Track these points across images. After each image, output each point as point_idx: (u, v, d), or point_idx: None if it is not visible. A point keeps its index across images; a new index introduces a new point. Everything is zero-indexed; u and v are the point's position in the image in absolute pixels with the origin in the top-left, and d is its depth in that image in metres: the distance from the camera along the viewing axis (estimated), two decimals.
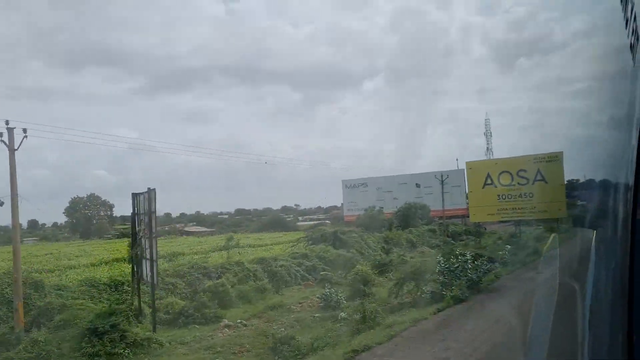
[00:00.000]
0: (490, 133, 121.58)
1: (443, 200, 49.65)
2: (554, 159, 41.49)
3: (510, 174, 42.95)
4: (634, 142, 1.32)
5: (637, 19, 1.40)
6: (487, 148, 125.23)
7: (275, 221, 57.43)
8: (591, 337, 2.44)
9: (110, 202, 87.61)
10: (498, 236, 46.60)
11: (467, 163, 45.06)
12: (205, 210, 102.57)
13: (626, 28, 1.51)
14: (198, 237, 56.36)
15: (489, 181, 43.79)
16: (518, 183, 42.66)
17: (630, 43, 1.47)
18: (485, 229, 54.34)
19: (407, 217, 46.46)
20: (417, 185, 60.50)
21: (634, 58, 1.44)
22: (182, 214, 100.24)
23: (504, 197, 43.13)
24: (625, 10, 1.55)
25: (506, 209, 43.00)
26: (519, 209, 42.50)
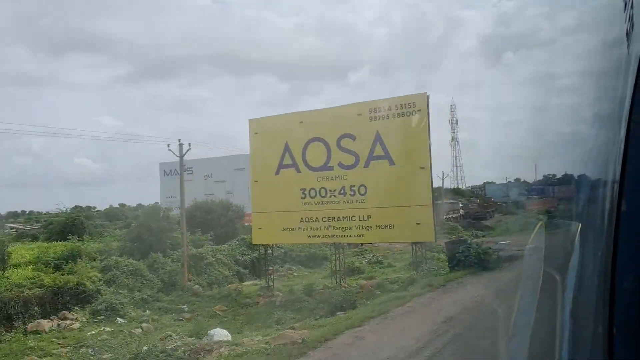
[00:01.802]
0: (457, 120, 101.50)
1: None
2: (410, 112, 18.68)
3: (326, 144, 20.16)
4: (622, 137, 1.35)
5: (634, 5, 1.39)
6: (453, 137, 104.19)
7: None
8: (572, 329, 2.38)
9: None
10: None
11: (250, 122, 22.12)
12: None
13: (624, 11, 1.51)
14: None
15: (287, 160, 20.96)
16: (340, 164, 19.91)
17: (627, 30, 1.46)
18: (362, 244, 31.68)
19: (147, 232, 23.37)
20: None
21: (629, 46, 1.43)
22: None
23: (313, 194, 20.39)
24: None
25: (316, 219, 20.24)
26: (339, 220, 19.79)
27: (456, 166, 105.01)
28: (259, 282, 22.44)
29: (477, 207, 61.34)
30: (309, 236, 20.49)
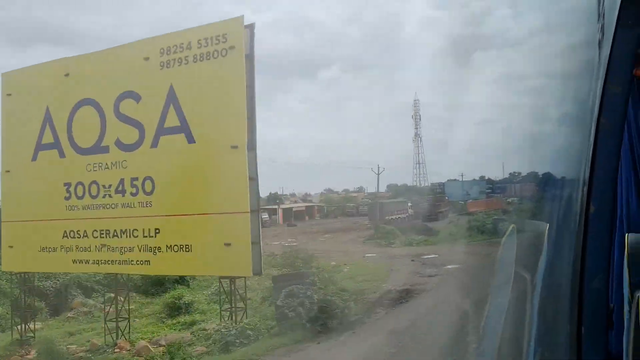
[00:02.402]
0: (420, 116, 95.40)
1: None
2: (217, 51, 10.83)
3: (100, 109, 12.21)
4: (591, 139, 1.38)
5: (606, 14, 1.45)
6: (415, 134, 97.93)
7: None
8: (541, 328, 2.27)
9: None
10: None
11: (2, 77, 14.01)
12: None
13: (598, 22, 1.58)
14: None
15: (48, 137, 12.89)
16: (117, 142, 11.98)
17: (599, 39, 1.53)
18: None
19: None
20: None
21: (600, 49, 1.48)
22: None
23: (80, 192, 12.40)
24: (599, 5, 1.64)
25: (85, 234, 12.33)
26: (115, 236, 11.94)
27: (419, 163, 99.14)
28: (40, 327, 14.40)
29: (429, 206, 54.61)
30: (74, 261, 12.47)
